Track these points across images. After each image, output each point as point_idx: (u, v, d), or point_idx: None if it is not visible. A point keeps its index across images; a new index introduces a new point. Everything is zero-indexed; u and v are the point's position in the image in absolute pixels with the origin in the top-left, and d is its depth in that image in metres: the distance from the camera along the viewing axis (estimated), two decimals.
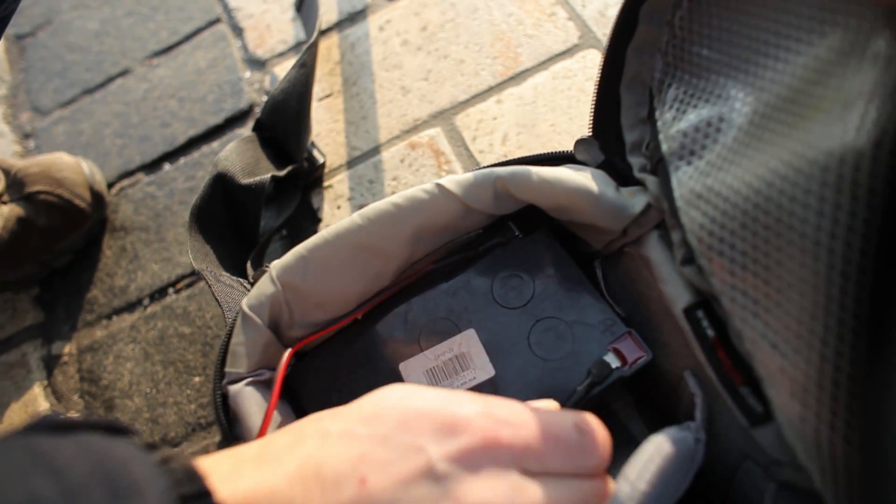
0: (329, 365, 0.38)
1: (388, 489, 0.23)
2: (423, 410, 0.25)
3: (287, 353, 0.35)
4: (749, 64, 0.30)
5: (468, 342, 0.38)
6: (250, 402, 0.34)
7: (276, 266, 0.37)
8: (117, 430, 0.22)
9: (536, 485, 0.25)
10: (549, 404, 0.29)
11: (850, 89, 0.24)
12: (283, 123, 0.58)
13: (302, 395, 0.38)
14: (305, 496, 0.23)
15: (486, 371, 0.37)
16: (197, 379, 0.57)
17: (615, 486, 0.28)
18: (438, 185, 0.37)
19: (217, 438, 0.55)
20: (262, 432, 0.32)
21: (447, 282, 0.39)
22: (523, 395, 0.36)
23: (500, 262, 0.40)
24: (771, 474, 0.30)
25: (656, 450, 0.28)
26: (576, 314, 0.38)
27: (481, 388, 0.36)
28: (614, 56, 0.36)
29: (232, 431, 0.35)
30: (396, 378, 0.37)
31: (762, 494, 0.30)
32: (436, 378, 0.37)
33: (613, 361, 0.36)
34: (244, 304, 0.36)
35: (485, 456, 0.24)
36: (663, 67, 0.35)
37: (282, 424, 0.34)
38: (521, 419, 0.26)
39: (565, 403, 0.35)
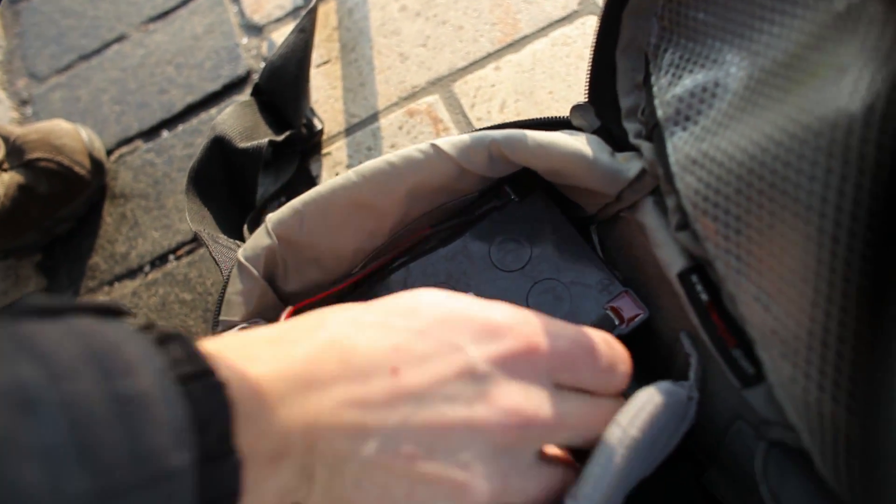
0: None
1: (423, 384, 0.23)
2: (465, 312, 0.25)
3: (286, 312, 0.36)
4: (745, 28, 0.31)
5: None
6: None
7: (271, 219, 0.38)
8: (109, 311, 0.20)
9: (567, 397, 0.25)
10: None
11: (846, 54, 0.24)
12: (282, 89, 0.58)
13: None
14: (327, 381, 0.22)
15: None
16: None
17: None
18: (433, 146, 0.37)
19: None
20: None
21: (445, 246, 0.40)
22: None
23: (497, 226, 0.40)
24: (761, 433, 0.31)
25: (648, 398, 0.29)
26: (573, 275, 0.38)
27: None
28: (610, 21, 0.36)
29: None
30: None
31: (752, 452, 0.31)
32: None
33: (612, 320, 0.37)
34: (240, 254, 0.37)
35: (523, 362, 0.24)
36: (659, 32, 0.35)
37: None
38: (558, 331, 0.26)
39: None
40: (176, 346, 0.19)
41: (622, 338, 0.37)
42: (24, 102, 0.75)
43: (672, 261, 0.34)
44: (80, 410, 0.16)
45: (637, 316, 0.37)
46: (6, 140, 0.63)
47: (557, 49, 0.62)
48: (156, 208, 0.65)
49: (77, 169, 0.63)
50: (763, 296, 0.27)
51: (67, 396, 0.16)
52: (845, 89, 0.24)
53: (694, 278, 0.33)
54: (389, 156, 0.37)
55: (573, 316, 0.37)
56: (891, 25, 0.22)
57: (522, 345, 0.25)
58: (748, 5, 0.30)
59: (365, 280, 0.41)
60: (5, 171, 0.62)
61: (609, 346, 0.27)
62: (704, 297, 0.33)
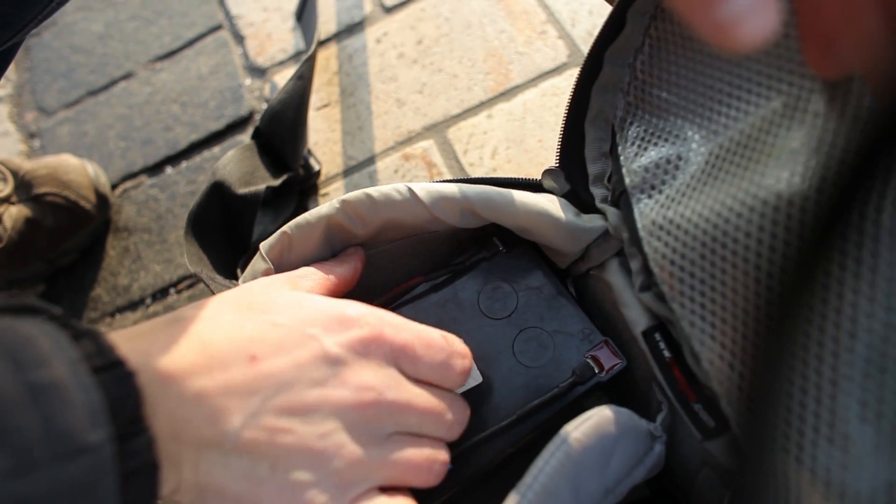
0: None
1: (282, 369, 0.26)
2: (316, 307, 0.28)
3: None
4: (705, 109, 0.34)
5: None
6: None
7: (264, 245, 0.41)
8: (26, 310, 0.21)
9: (411, 384, 0.29)
10: None
11: (795, 139, 0.27)
12: (280, 133, 0.61)
13: None
14: (186, 372, 0.24)
15: (474, 378, 0.40)
16: None
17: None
18: (410, 189, 0.39)
19: None
20: None
21: (436, 293, 0.42)
22: (509, 399, 0.39)
23: (485, 276, 0.43)
24: (725, 482, 0.33)
25: (597, 412, 0.32)
26: (556, 324, 0.41)
27: (469, 394, 0.39)
28: (581, 93, 0.39)
29: None
30: None
31: (720, 498, 0.34)
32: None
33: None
34: (240, 281, 0.39)
35: (374, 347, 0.28)
36: (625, 106, 0.39)
37: None
38: (401, 324, 0.30)
39: (546, 398, 0.38)
40: (88, 341, 0.21)
41: (601, 385, 0.40)
42: (32, 135, 0.78)
43: (637, 319, 0.37)
44: None
45: (615, 365, 0.39)
46: (15, 174, 0.65)
47: (547, 99, 0.65)
48: (158, 242, 0.67)
49: (83, 203, 0.65)
50: (727, 354, 0.30)
51: None
52: (797, 172, 0.27)
53: (657, 336, 0.36)
54: (370, 189, 0.40)
55: (556, 362, 0.40)
56: (829, 120, 0.25)
57: (370, 332, 0.28)
58: (707, 89, 0.33)
59: None
60: (13, 204, 0.64)
61: (447, 342, 0.32)
62: (667, 354, 0.35)
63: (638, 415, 0.35)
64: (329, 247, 0.41)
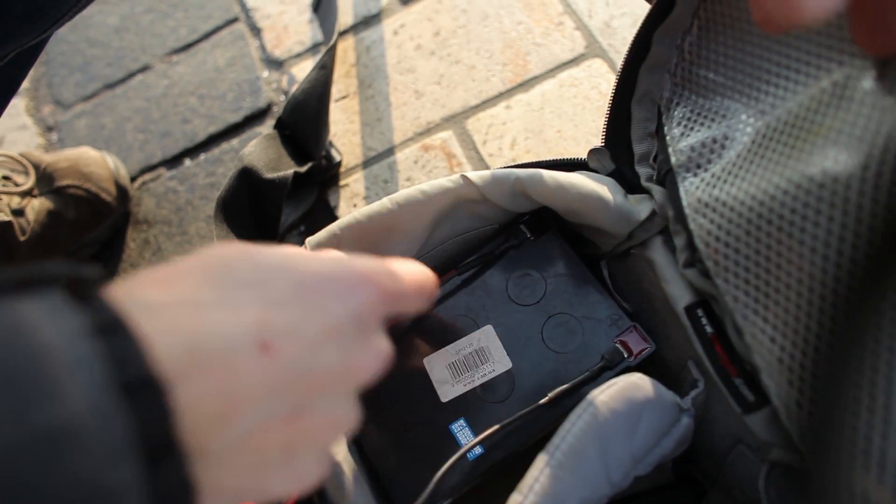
0: None
1: (298, 354, 0.22)
2: (315, 271, 0.24)
3: None
4: (752, 89, 0.34)
5: (487, 337, 0.41)
6: None
7: (311, 241, 0.41)
8: (32, 281, 0.16)
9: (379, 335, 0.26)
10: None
11: (844, 119, 0.27)
12: (304, 122, 0.61)
13: None
14: (181, 376, 0.18)
15: (503, 364, 0.40)
16: None
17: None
18: (463, 177, 0.40)
19: None
20: None
21: (466, 283, 0.43)
22: (538, 384, 0.39)
23: (514, 263, 0.43)
24: (762, 455, 0.34)
25: (625, 378, 0.33)
26: (585, 310, 0.41)
27: (500, 379, 0.40)
28: (628, 74, 0.40)
29: None
30: (422, 372, 0.41)
31: (753, 473, 0.34)
32: (457, 371, 0.40)
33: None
34: None
35: (376, 311, 0.25)
36: (672, 87, 0.39)
37: None
38: (386, 272, 0.27)
39: (576, 383, 0.39)
40: (116, 341, 0.16)
41: (630, 369, 0.40)
42: (49, 129, 0.78)
43: (679, 295, 0.37)
44: None
45: (644, 349, 0.40)
46: (37, 167, 0.65)
47: (565, 90, 0.65)
48: (178, 234, 0.68)
49: (104, 196, 0.66)
50: (769, 328, 0.30)
51: None
52: (844, 150, 0.27)
53: (699, 312, 0.36)
54: (423, 185, 0.40)
55: (585, 348, 0.40)
56: (879, 98, 0.26)
57: (371, 297, 0.25)
58: (755, 69, 0.33)
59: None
60: (35, 196, 0.64)
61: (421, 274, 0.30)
62: (709, 329, 0.36)
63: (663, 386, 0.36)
64: (382, 249, 0.42)
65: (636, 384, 0.35)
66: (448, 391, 0.40)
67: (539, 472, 0.31)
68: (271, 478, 0.22)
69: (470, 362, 0.41)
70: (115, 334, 0.16)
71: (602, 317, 0.41)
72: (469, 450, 0.38)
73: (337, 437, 0.25)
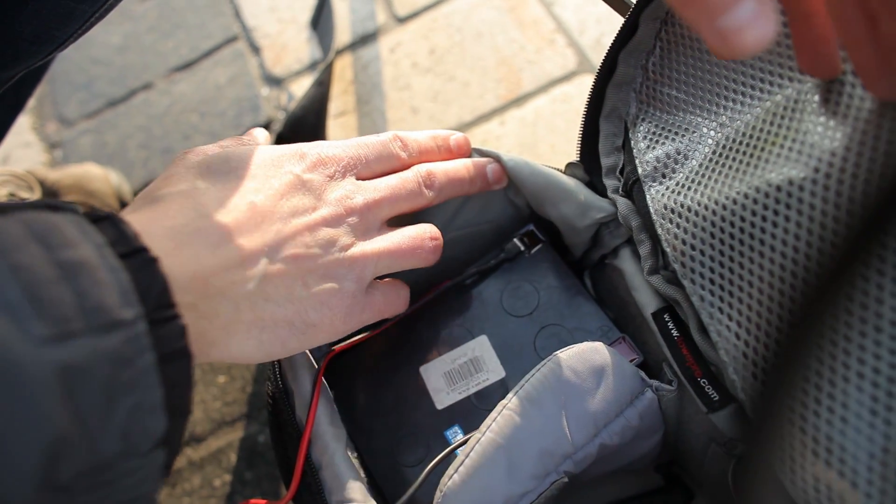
0: (359, 366, 0.43)
1: (272, 203, 0.29)
2: (274, 153, 0.32)
3: (326, 357, 0.40)
4: (712, 105, 0.36)
5: (481, 347, 0.42)
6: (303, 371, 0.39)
7: None
8: (52, 206, 0.22)
9: (370, 183, 0.34)
10: None
11: (798, 129, 0.29)
12: (302, 138, 0.62)
13: (334, 391, 0.43)
14: (192, 234, 0.26)
15: (497, 373, 0.41)
16: (221, 378, 0.61)
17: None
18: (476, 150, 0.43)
19: (240, 434, 0.60)
20: (308, 423, 0.37)
21: (461, 293, 0.44)
22: None
23: (508, 275, 0.45)
24: (730, 451, 0.35)
25: (584, 343, 0.36)
26: (576, 321, 0.43)
27: (494, 387, 0.41)
28: (597, 91, 0.42)
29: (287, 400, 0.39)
30: (418, 379, 0.42)
31: (726, 470, 0.36)
32: (453, 379, 0.42)
33: None
34: None
35: (329, 167, 0.33)
36: (637, 104, 0.41)
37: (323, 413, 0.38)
38: (343, 143, 0.35)
39: None
40: (110, 227, 0.22)
41: None
42: (53, 146, 0.79)
43: (647, 302, 0.39)
44: (28, 273, 0.19)
45: (633, 360, 0.41)
46: (41, 183, 0.67)
47: (557, 105, 0.67)
48: None
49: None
50: (734, 325, 0.32)
51: (15, 263, 0.19)
52: (798, 155, 0.29)
53: (666, 317, 0.38)
54: None
55: None
56: (824, 113, 0.27)
57: (319, 157, 0.33)
58: (714, 86, 0.35)
59: (395, 325, 0.45)
60: None
61: (391, 139, 0.37)
62: (675, 332, 0.37)
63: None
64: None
65: (596, 349, 0.37)
66: (443, 399, 0.41)
67: (497, 414, 0.34)
68: (308, 304, 0.30)
69: (465, 371, 0.42)
70: (107, 222, 0.22)
71: (592, 328, 0.42)
72: (458, 447, 0.39)
73: (337, 270, 0.32)
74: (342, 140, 0.35)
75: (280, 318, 0.29)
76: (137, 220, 0.25)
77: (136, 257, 0.22)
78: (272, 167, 0.31)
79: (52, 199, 0.22)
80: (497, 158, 0.42)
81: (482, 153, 0.43)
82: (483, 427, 0.34)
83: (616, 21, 0.46)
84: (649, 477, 0.45)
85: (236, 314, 0.27)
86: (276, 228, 0.29)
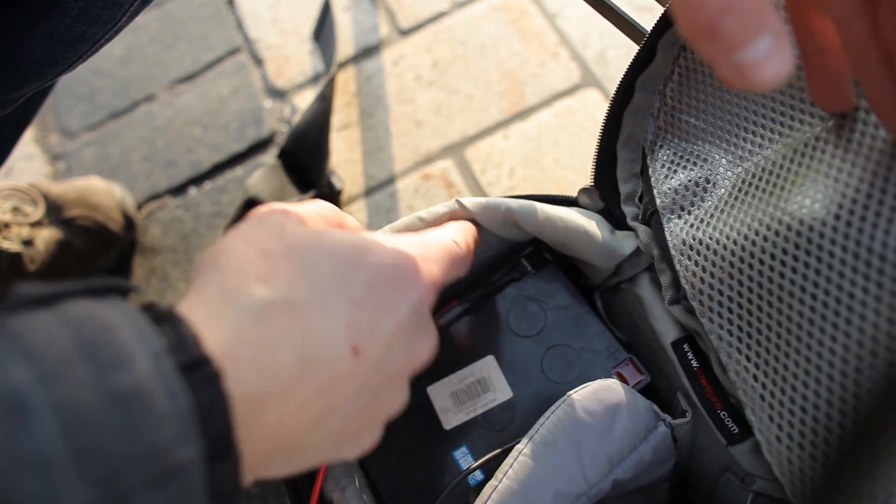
0: None
1: (378, 354, 0.24)
2: (383, 264, 0.26)
3: None
4: (731, 136, 0.36)
5: (488, 367, 0.43)
6: None
7: None
8: (106, 290, 0.19)
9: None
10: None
11: (817, 169, 0.29)
12: (305, 152, 0.63)
13: None
14: (290, 386, 0.21)
15: (504, 393, 0.42)
16: None
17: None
18: (458, 202, 0.42)
19: None
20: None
21: (468, 313, 0.44)
22: (538, 413, 0.41)
23: (515, 295, 0.45)
24: (747, 485, 0.35)
25: (597, 381, 0.36)
26: (583, 342, 0.43)
27: (501, 408, 0.41)
28: (613, 117, 0.42)
29: None
30: (425, 399, 0.42)
31: (740, 500, 0.36)
32: (460, 399, 0.42)
33: None
34: None
35: (427, 300, 0.28)
36: (655, 130, 0.41)
37: None
38: (433, 257, 0.30)
39: None
40: (170, 327, 0.18)
41: None
42: (56, 158, 0.79)
43: (666, 331, 0.39)
44: (73, 413, 0.15)
45: (640, 381, 0.41)
46: (46, 197, 0.67)
47: (561, 119, 0.67)
48: (184, 262, 0.69)
49: (111, 225, 0.67)
50: (751, 367, 0.32)
51: (59, 399, 0.15)
52: (816, 198, 0.29)
53: (685, 347, 0.38)
54: (420, 212, 0.42)
55: (583, 378, 0.42)
56: (839, 150, 0.28)
57: (427, 286, 0.27)
58: (734, 117, 0.35)
59: None
60: (44, 227, 0.66)
61: (463, 242, 0.34)
62: (695, 363, 0.37)
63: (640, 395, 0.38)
64: None
65: (609, 387, 0.37)
66: (451, 419, 0.41)
67: (513, 460, 0.33)
68: (343, 451, 0.26)
69: (472, 391, 0.42)
70: (168, 323, 0.19)
71: (600, 349, 0.42)
72: (469, 473, 0.39)
73: (394, 414, 0.28)
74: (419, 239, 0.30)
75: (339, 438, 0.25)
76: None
77: (199, 372, 0.18)
78: (379, 294, 0.25)
79: (104, 279, 0.19)
80: (507, 206, 0.42)
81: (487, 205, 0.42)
82: (499, 473, 0.34)
83: (620, 35, 0.46)
84: (656, 494, 0.45)
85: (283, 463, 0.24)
86: (367, 380, 0.25)
